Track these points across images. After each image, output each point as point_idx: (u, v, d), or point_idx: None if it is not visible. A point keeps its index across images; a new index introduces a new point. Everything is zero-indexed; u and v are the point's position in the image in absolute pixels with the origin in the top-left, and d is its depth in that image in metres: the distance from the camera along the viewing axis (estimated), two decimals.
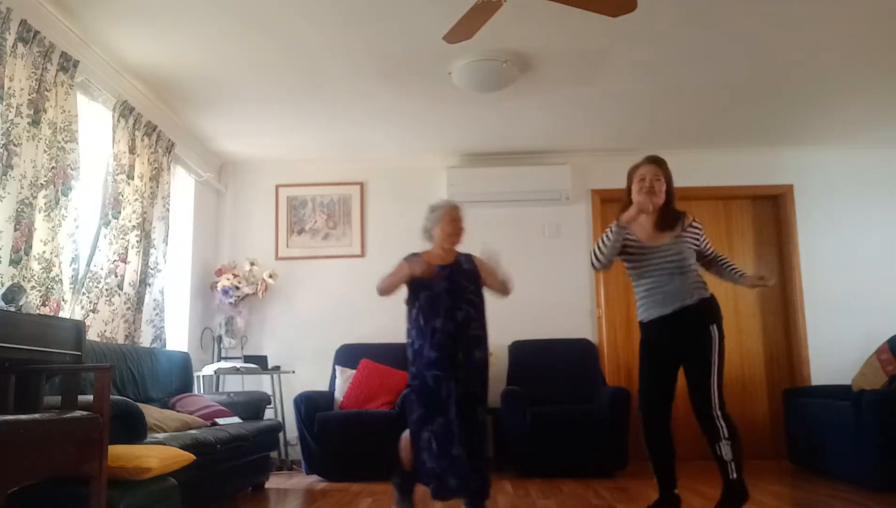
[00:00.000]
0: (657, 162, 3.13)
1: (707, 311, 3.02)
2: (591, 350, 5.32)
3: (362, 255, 5.70)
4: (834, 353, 5.30)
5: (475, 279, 3.32)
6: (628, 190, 3.16)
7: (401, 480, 3.24)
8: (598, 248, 3.14)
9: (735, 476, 2.88)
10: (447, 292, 3.20)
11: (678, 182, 3.24)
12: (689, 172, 5.54)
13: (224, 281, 5.34)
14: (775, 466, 4.86)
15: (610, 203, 5.72)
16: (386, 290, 3.27)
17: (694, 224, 3.15)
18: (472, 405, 3.12)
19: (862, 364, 4.62)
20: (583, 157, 5.73)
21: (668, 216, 3.12)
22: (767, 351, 5.62)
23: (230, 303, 5.36)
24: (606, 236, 3.10)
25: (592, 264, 3.21)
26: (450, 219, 3.29)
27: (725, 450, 2.88)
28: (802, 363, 5.47)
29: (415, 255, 3.29)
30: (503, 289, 3.35)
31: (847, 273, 5.52)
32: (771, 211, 5.80)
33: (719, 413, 2.91)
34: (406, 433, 3.22)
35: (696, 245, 3.13)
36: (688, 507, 3.39)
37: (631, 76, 4.30)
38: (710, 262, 3.25)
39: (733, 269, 3.20)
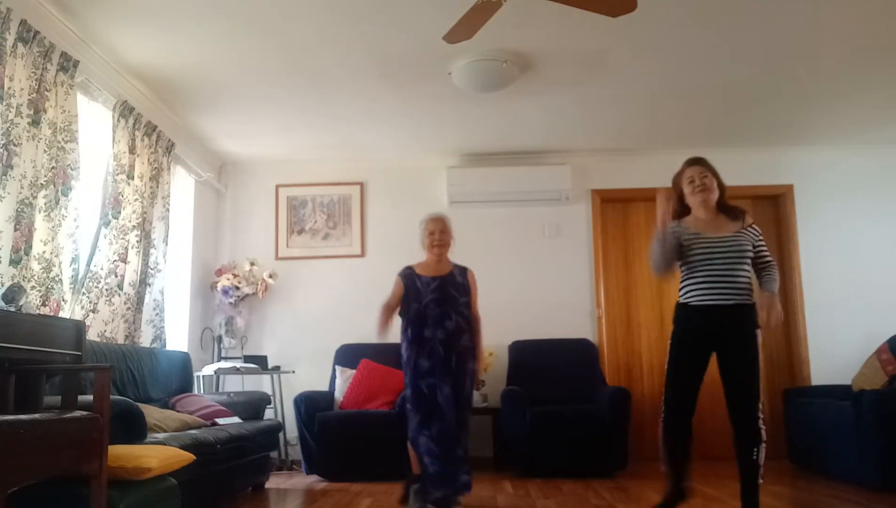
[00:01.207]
0: (699, 162, 3.12)
1: (754, 314, 2.97)
2: (591, 350, 5.32)
3: (362, 255, 5.70)
4: (834, 353, 5.30)
5: (466, 292, 3.46)
6: (679, 198, 3.13)
7: (421, 486, 3.33)
8: (652, 256, 3.05)
9: (762, 480, 2.87)
10: (434, 302, 3.36)
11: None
12: None
13: (224, 281, 5.34)
14: (775, 466, 4.86)
15: (610, 203, 5.72)
16: (380, 328, 3.42)
17: (754, 226, 3.07)
18: (461, 409, 3.31)
19: (862, 364, 4.62)
20: (583, 157, 5.73)
21: (727, 209, 3.08)
22: (767, 351, 5.62)
23: (230, 303, 5.36)
24: (655, 242, 3.02)
25: (654, 270, 3.08)
26: (427, 232, 3.48)
27: (761, 454, 2.85)
28: (802, 363, 5.47)
29: (408, 268, 3.50)
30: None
31: (847, 273, 5.52)
32: (771, 211, 5.80)
33: (761, 416, 2.87)
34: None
35: (753, 246, 3.03)
36: (688, 507, 3.39)
37: (631, 76, 4.30)
38: (760, 268, 3.08)
39: (768, 280, 3.06)
